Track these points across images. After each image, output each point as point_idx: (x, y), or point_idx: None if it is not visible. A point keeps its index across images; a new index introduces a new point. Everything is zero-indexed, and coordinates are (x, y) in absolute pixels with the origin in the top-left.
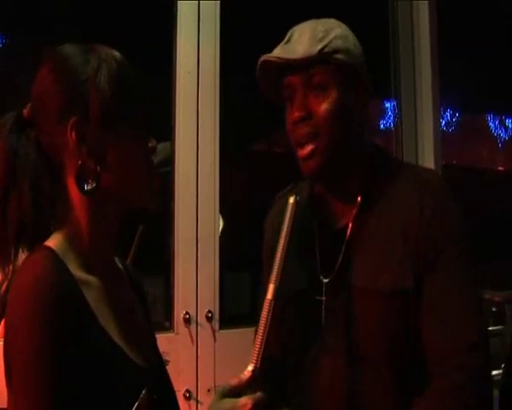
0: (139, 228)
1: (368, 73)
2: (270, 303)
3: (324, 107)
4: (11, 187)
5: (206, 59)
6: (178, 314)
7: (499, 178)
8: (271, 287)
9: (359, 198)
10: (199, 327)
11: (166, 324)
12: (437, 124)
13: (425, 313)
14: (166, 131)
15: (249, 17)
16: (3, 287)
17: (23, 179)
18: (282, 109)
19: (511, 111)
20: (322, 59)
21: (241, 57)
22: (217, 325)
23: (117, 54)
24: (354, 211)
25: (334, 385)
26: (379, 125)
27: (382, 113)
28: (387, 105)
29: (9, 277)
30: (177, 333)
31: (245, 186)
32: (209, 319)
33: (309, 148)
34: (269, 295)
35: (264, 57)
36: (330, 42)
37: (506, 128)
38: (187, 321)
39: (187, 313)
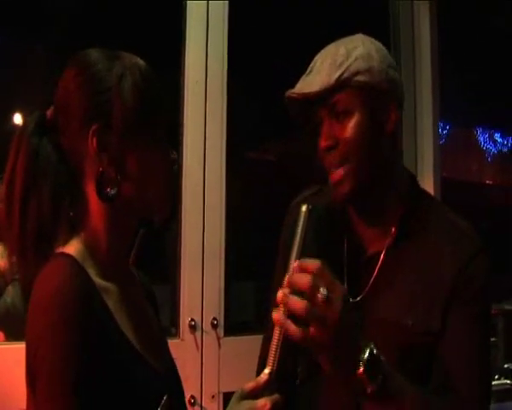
0: (140, 232)
1: (401, 88)
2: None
3: (349, 132)
4: (31, 189)
5: (215, 69)
6: (184, 321)
7: (488, 191)
8: None
9: (393, 229)
10: (204, 334)
11: (172, 330)
12: (436, 138)
13: (445, 348)
14: (174, 140)
15: (256, 29)
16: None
17: (43, 182)
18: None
19: (500, 125)
20: (342, 85)
21: (240, 66)
22: (221, 332)
23: (142, 63)
24: (388, 241)
25: (350, 405)
26: None
27: None
28: None
29: (24, 279)
30: (183, 339)
31: (245, 194)
32: (214, 326)
33: (339, 173)
34: None
35: (287, 93)
36: (350, 65)
37: (495, 142)
38: (192, 328)
39: (192, 319)
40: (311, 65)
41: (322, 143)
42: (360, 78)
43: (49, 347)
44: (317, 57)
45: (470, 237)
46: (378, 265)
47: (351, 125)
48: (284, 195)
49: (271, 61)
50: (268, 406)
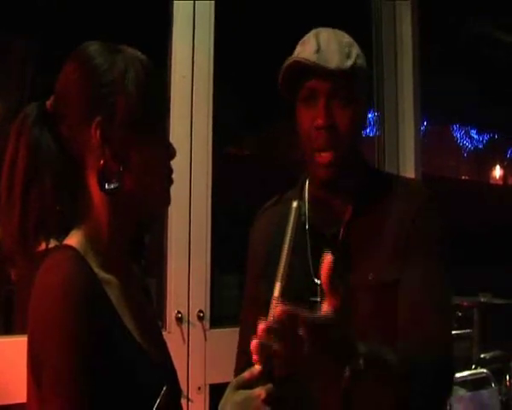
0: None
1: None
2: (278, 301)
3: (348, 119)
4: (33, 180)
5: (201, 64)
6: (170, 313)
7: (463, 186)
8: (278, 285)
9: (349, 207)
10: (190, 326)
11: (159, 322)
12: (418, 134)
13: (401, 291)
14: None
15: (243, 24)
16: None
17: (45, 172)
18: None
19: (476, 123)
20: (352, 73)
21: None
22: (208, 325)
23: (143, 57)
24: (346, 217)
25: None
26: None
27: None
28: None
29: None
30: (170, 332)
31: (230, 188)
32: (200, 319)
33: (329, 156)
34: (276, 293)
35: (298, 58)
36: (356, 58)
37: (471, 139)
38: (179, 320)
39: (179, 312)
40: (312, 41)
41: (320, 121)
42: (362, 73)
43: (56, 339)
44: (317, 36)
45: (417, 190)
46: (338, 241)
47: (350, 113)
48: (267, 190)
49: (256, 57)
50: (263, 395)
